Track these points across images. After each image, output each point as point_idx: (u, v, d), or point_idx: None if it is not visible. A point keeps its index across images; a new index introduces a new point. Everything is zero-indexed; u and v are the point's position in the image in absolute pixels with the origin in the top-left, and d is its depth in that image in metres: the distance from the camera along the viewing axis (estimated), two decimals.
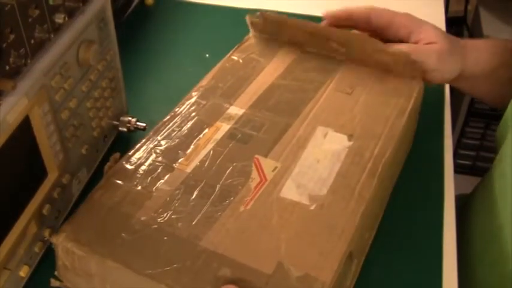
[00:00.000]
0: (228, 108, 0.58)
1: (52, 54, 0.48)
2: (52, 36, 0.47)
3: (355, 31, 0.70)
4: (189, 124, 0.56)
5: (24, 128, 0.46)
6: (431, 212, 0.60)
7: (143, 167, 0.52)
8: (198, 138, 0.55)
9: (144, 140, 0.55)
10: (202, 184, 0.50)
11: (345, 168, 0.51)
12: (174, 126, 0.56)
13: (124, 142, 0.65)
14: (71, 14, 0.50)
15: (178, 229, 0.46)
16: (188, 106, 0.59)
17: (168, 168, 0.52)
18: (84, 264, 0.46)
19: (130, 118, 0.64)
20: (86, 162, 0.58)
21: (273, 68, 0.64)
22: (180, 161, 0.52)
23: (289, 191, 0.49)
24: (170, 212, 0.48)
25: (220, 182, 0.50)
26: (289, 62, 0.66)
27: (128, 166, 0.52)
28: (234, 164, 0.52)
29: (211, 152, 0.53)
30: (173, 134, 0.55)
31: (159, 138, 0.55)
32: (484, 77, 0.69)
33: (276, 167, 0.52)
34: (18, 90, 0.43)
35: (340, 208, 0.48)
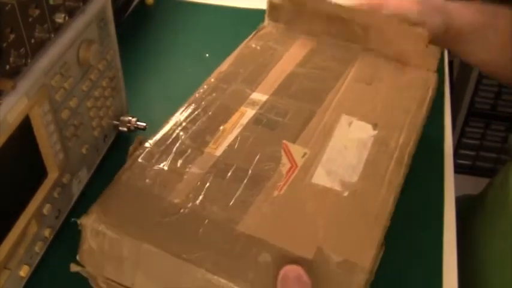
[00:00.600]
0: (250, 94, 0.58)
1: (52, 53, 0.48)
2: (52, 35, 0.47)
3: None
4: (213, 108, 0.56)
5: (24, 127, 0.46)
6: (431, 212, 0.60)
7: (171, 150, 0.51)
8: (224, 122, 0.55)
9: (169, 124, 0.54)
10: (233, 168, 0.50)
11: (373, 156, 0.52)
12: (198, 110, 0.56)
13: (124, 142, 0.65)
14: (71, 13, 0.50)
15: (213, 213, 0.46)
16: (210, 91, 0.59)
17: (197, 151, 0.51)
18: (116, 247, 0.44)
19: (130, 118, 0.64)
20: (86, 162, 0.58)
21: (291, 57, 0.64)
22: (208, 144, 0.52)
23: (321, 177, 0.50)
24: (203, 195, 0.47)
25: (252, 167, 0.50)
26: (307, 51, 0.66)
27: (156, 148, 0.51)
28: (264, 149, 0.52)
29: (239, 136, 0.53)
30: (198, 118, 0.55)
31: (184, 122, 0.54)
32: (474, 37, 0.67)
33: (305, 153, 0.52)
34: (18, 89, 0.43)
35: (372, 195, 0.48)
